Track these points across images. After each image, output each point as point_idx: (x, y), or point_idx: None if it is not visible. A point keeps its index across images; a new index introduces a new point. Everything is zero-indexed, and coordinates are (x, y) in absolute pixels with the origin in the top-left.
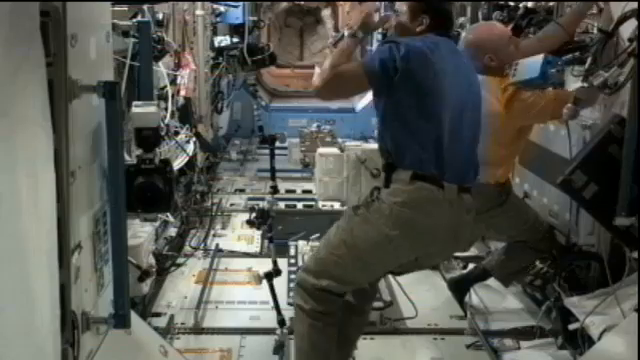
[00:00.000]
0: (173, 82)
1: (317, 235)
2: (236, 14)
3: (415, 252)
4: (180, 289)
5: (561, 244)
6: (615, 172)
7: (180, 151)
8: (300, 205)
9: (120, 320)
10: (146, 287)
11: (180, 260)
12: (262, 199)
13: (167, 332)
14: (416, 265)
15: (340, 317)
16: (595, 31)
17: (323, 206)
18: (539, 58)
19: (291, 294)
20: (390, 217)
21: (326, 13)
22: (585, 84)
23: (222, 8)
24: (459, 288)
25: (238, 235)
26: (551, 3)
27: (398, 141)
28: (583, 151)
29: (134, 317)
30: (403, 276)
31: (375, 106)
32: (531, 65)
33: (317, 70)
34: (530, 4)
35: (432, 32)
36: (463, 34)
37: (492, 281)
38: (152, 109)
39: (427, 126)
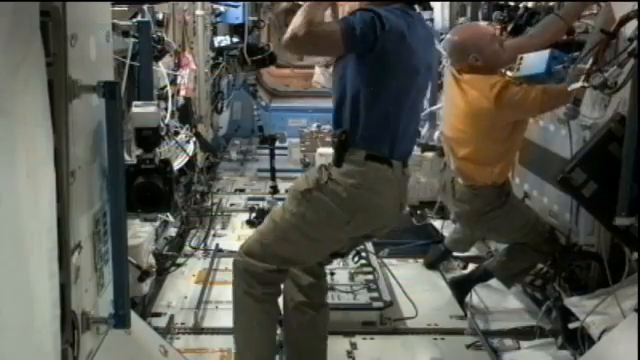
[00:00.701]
0: (173, 82)
1: None
2: (236, 14)
3: (369, 228)
4: (180, 289)
5: (562, 245)
6: (615, 171)
7: (180, 151)
8: None
9: (120, 320)
10: (146, 287)
11: (180, 260)
12: (262, 199)
13: (167, 332)
14: (366, 238)
15: (304, 320)
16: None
17: None
18: (545, 53)
19: None
20: (347, 199)
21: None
22: (586, 84)
23: (222, 8)
24: (460, 288)
25: (238, 235)
26: (551, 3)
27: (358, 119)
28: (583, 149)
29: (134, 317)
30: (403, 276)
31: (336, 79)
32: (537, 60)
33: (317, 70)
34: (530, 4)
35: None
36: (448, 36)
37: (492, 281)
38: (152, 109)
39: (390, 106)
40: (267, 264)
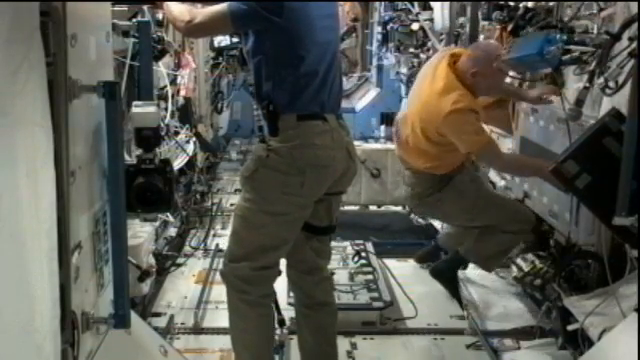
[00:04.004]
0: (173, 82)
1: None
2: None
3: (327, 183)
4: (180, 289)
5: (537, 223)
6: (609, 164)
7: (180, 151)
8: None
9: (120, 320)
10: (146, 287)
11: (180, 260)
12: None
13: (167, 332)
14: (333, 196)
15: (310, 323)
16: (595, 31)
17: None
18: (540, 35)
19: (291, 294)
20: (292, 162)
21: None
22: (587, 84)
23: None
24: (444, 278)
25: None
26: (551, 3)
27: (280, 88)
28: (577, 141)
29: (134, 317)
30: (403, 276)
31: (249, 58)
32: (530, 42)
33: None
34: (530, 4)
35: None
36: (491, 42)
37: (492, 281)
38: (152, 109)
39: (305, 67)
40: (251, 262)
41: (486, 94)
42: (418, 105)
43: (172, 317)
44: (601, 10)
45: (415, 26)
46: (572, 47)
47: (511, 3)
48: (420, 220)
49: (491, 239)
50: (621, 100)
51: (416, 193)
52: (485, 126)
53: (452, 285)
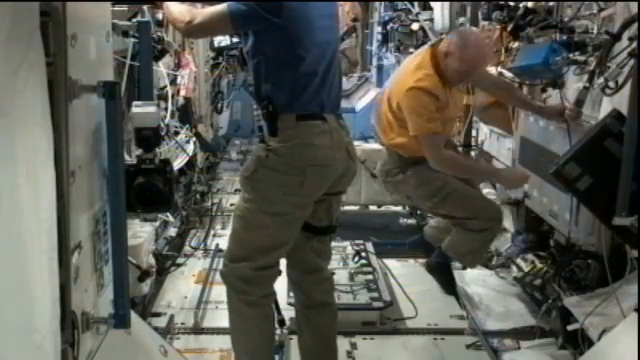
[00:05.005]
0: (173, 82)
1: None
2: None
3: (326, 183)
4: (180, 289)
5: (500, 221)
6: (611, 166)
7: (180, 151)
8: None
9: (120, 320)
10: (146, 287)
11: (180, 260)
12: None
13: (167, 332)
14: (333, 196)
15: (309, 323)
16: (595, 31)
17: None
18: (545, 44)
19: (291, 294)
20: (291, 161)
21: None
22: (587, 84)
23: None
24: (436, 273)
25: None
26: (551, 3)
27: (278, 86)
28: (578, 143)
29: (134, 317)
30: (403, 276)
31: (248, 58)
32: (535, 51)
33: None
34: (530, 4)
35: None
36: (474, 29)
37: (492, 281)
38: (152, 109)
39: (304, 67)
40: (252, 262)
41: (457, 79)
42: (396, 78)
43: (172, 317)
44: (601, 10)
45: (415, 26)
46: (578, 58)
47: (511, 3)
48: (408, 221)
49: (464, 238)
50: (621, 100)
51: (385, 170)
52: (485, 126)
53: (447, 281)
